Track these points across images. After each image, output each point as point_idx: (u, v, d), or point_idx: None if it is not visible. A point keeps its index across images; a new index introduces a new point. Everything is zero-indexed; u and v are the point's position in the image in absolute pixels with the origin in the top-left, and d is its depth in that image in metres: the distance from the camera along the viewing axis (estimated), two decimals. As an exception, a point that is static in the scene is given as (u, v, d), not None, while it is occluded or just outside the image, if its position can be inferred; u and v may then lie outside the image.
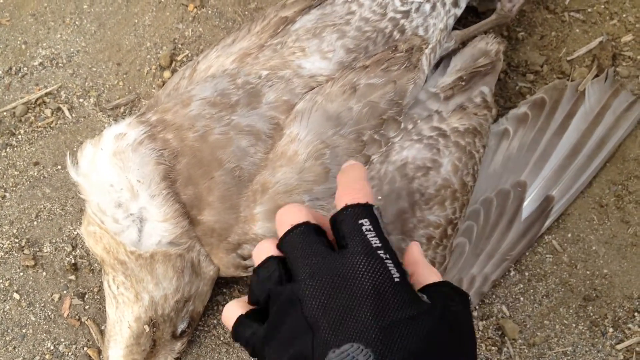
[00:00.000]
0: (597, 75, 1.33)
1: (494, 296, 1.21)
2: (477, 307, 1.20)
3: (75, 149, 1.24)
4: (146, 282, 1.02)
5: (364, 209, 0.71)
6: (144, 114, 1.07)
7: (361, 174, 0.77)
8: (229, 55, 1.14)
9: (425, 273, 0.74)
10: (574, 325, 1.20)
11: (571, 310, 1.21)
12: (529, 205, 1.19)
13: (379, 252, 0.67)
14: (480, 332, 1.19)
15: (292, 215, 0.75)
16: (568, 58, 1.38)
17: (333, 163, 1.01)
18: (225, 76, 1.08)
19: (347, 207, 0.72)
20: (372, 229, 0.69)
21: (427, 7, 1.17)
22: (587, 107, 1.26)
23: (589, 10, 1.41)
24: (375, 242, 0.68)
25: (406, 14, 1.16)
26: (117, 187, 0.98)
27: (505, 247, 1.17)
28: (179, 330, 1.08)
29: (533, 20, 1.41)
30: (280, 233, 0.75)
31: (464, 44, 1.27)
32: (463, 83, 1.16)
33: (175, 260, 1.02)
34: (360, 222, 0.70)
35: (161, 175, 0.99)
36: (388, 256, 0.67)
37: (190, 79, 1.13)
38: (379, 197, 1.01)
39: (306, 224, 0.73)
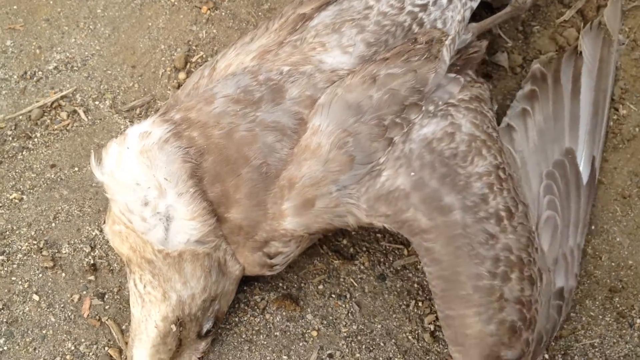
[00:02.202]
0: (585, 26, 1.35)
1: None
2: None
3: (91, 151, 1.23)
4: (174, 281, 1.01)
5: None
6: (167, 112, 1.06)
7: None
8: (248, 53, 1.14)
9: None
10: (600, 317, 1.18)
11: (597, 302, 1.19)
12: (583, 169, 1.19)
13: None
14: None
15: None
16: (558, 21, 1.39)
17: (357, 150, 1.01)
18: (246, 73, 1.08)
19: None
20: None
21: (444, 0, 1.17)
22: (588, 65, 1.27)
23: None
24: None
25: (424, 7, 1.16)
26: (144, 185, 0.98)
27: (582, 213, 1.16)
28: (205, 329, 1.07)
29: (548, 14, 1.41)
30: None
31: (479, 37, 1.27)
32: (458, 67, 1.16)
33: (203, 259, 1.01)
34: None
35: (188, 173, 0.98)
36: None
37: (210, 78, 1.12)
38: (412, 173, 1.00)
39: None
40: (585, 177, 1.18)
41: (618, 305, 1.19)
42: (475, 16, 1.32)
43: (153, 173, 0.98)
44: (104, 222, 1.19)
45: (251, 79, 1.06)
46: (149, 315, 1.02)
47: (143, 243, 0.99)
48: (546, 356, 1.15)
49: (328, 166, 1.00)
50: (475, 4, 1.22)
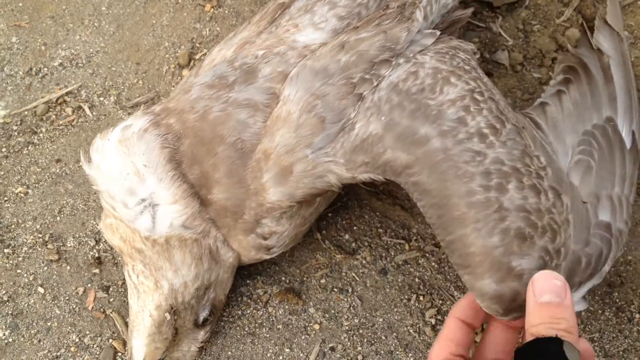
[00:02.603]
0: (586, 23, 1.35)
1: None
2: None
3: (82, 147, 1.25)
4: (165, 270, 1.01)
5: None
6: (150, 106, 1.08)
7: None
8: (230, 46, 1.15)
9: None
10: (600, 311, 1.19)
11: (597, 297, 1.20)
12: (625, 137, 1.13)
13: None
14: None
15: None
16: (558, 20, 1.40)
17: (326, 110, 1.00)
18: (224, 62, 1.09)
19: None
20: None
21: None
22: (615, 59, 1.23)
23: None
24: None
25: None
26: (124, 172, 0.99)
27: (629, 171, 1.09)
28: (201, 318, 1.08)
29: (548, 14, 1.42)
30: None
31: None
32: (441, 29, 1.16)
33: (192, 245, 1.02)
34: None
35: (166, 158, 0.99)
36: None
37: (196, 75, 1.14)
38: (382, 117, 0.98)
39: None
40: (628, 144, 1.12)
41: (617, 300, 1.20)
42: (476, 14, 1.34)
43: (131, 160, 0.98)
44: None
45: (228, 66, 1.07)
46: (144, 306, 1.03)
47: (132, 232, 1.00)
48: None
49: (300, 131, 1.00)
50: None
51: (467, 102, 0.99)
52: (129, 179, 0.99)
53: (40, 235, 1.23)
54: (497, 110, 1.01)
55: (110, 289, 1.19)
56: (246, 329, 1.17)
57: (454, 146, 0.93)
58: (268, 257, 1.09)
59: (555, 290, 0.79)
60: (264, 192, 1.01)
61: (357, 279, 1.21)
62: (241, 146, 1.00)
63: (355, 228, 1.26)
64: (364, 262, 1.23)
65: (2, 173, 1.29)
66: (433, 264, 1.22)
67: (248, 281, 1.20)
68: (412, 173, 0.94)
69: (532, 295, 0.80)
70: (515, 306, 0.86)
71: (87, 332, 1.16)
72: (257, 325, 1.17)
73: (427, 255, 1.23)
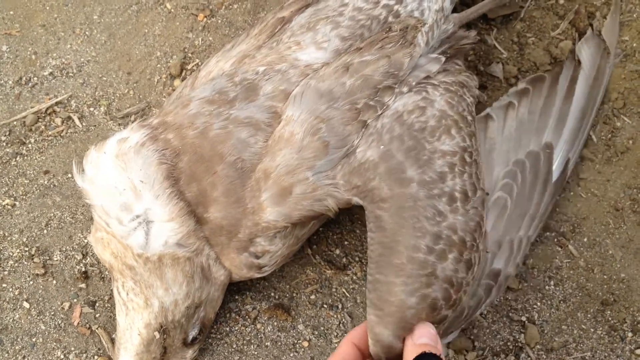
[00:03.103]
0: (580, 37, 1.36)
1: (512, 302, 1.19)
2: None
3: (74, 159, 1.24)
4: (156, 288, 1.00)
5: None
6: (146, 119, 1.07)
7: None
8: (228, 59, 1.14)
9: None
10: (592, 330, 1.18)
11: (589, 315, 1.19)
12: (557, 167, 1.19)
13: None
14: (498, 335, 1.17)
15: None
16: (553, 33, 1.39)
17: (331, 135, 1.00)
18: (223, 77, 1.08)
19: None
20: None
21: None
22: (586, 72, 1.28)
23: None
24: None
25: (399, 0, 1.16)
26: (120, 188, 0.97)
27: (543, 208, 1.16)
28: (190, 337, 1.06)
29: (544, 26, 1.41)
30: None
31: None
32: (447, 56, 1.16)
33: (184, 264, 1.00)
34: None
35: (164, 174, 0.98)
36: None
37: (192, 87, 1.13)
38: (381, 146, 1.00)
39: None
40: (556, 175, 1.18)
41: (610, 319, 1.19)
42: (471, 26, 1.32)
43: (127, 175, 0.97)
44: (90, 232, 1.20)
45: (227, 81, 1.07)
46: (133, 323, 1.02)
47: (124, 248, 0.99)
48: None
49: (302, 153, 0.99)
50: None
51: (456, 160, 1.03)
52: (125, 194, 0.97)
53: (27, 249, 1.21)
54: (476, 175, 1.05)
55: (97, 304, 1.18)
56: (234, 346, 1.16)
57: (424, 199, 0.97)
58: (259, 275, 1.08)
59: (429, 336, 0.90)
60: (260, 212, 1.00)
61: (348, 295, 1.20)
62: (241, 165, 1.00)
63: (346, 243, 1.24)
64: (354, 277, 1.21)
65: (-10, 184, 1.28)
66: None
67: (237, 297, 1.19)
68: (382, 207, 0.97)
69: (411, 339, 0.90)
70: (394, 358, 0.93)
71: (72, 349, 1.15)
72: (245, 342, 1.16)
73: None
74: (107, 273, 1.20)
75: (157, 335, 1.01)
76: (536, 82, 1.25)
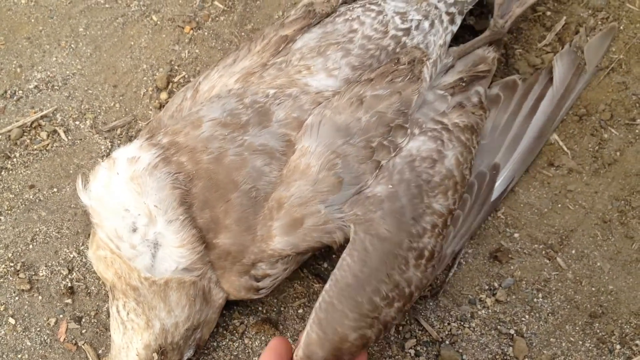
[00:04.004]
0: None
1: (500, 314, 1.19)
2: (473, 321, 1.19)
3: (77, 174, 1.23)
4: (159, 310, 1.00)
5: None
6: (153, 136, 1.06)
7: None
8: (231, 75, 1.14)
9: None
10: (580, 342, 1.18)
11: (577, 328, 1.19)
12: (498, 186, 1.23)
13: None
14: (487, 348, 1.17)
15: None
16: (539, 45, 1.40)
17: (346, 172, 1.02)
18: (231, 96, 1.08)
19: None
20: None
21: (426, 24, 1.19)
22: (554, 89, 1.30)
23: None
24: None
25: (407, 31, 1.17)
26: (134, 212, 0.97)
27: (474, 226, 1.21)
28: (185, 358, 1.06)
29: (530, 38, 1.41)
30: None
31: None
32: (463, 84, 1.19)
33: (189, 287, 1.00)
34: None
35: (178, 200, 0.98)
36: None
37: (194, 100, 1.12)
38: (390, 186, 1.03)
39: None
40: (495, 195, 1.23)
41: (598, 331, 1.18)
42: (458, 38, 1.33)
43: (144, 200, 0.97)
44: (85, 245, 1.19)
45: (237, 102, 1.07)
46: (131, 343, 1.01)
47: (129, 270, 0.98)
48: None
49: (317, 186, 1.00)
50: (455, 28, 1.24)
51: (440, 221, 1.07)
52: (139, 220, 0.97)
53: (12, 264, 1.20)
54: (446, 238, 1.10)
55: (83, 320, 1.17)
56: (221, 361, 1.15)
57: (405, 250, 1.01)
58: (255, 297, 1.08)
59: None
60: (269, 239, 1.01)
61: (335, 308, 1.19)
62: (255, 194, 1.00)
63: (334, 256, 1.24)
64: (342, 291, 1.21)
65: (-25, 199, 1.27)
66: (412, 293, 1.21)
67: (224, 312, 1.18)
68: (371, 242, 0.99)
69: None
70: None
71: (59, 365, 1.14)
72: (232, 357, 1.16)
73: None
74: (93, 288, 1.19)
75: (156, 356, 1.01)
76: (508, 90, 1.28)
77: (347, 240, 1.01)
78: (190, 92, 1.15)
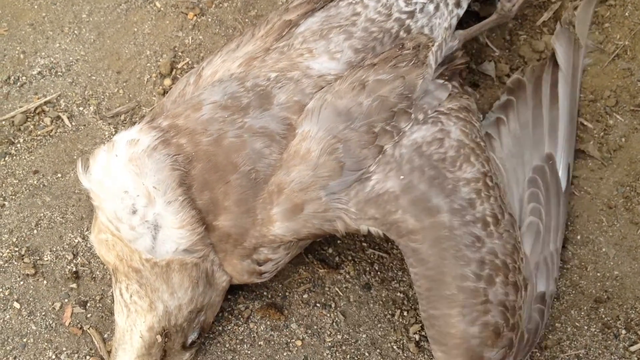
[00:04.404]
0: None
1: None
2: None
3: (77, 158, 1.23)
4: (161, 292, 1.00)
5: None
6: (154, 119, 1.05)
7: None
8: (234, 59, 1.13)
9: None
10: (585, 327, 1.18)
11: (583, 313, 1.19)
12: (562, 176, 1.20)
13: None
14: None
15: None
16: (537, 23, 1.40)
17: (347, 156, 1.00)
18: (233, 80, 1.07)
19: None
20: None
21: (431, 7, 1.18)
22: (564, 71, 1.28)
23: None
24: None
25: (411, 14, 1.16)
26: (132, 193, 0.97)
27: (561, 219, 1.17)
28: (190, 340, 1.06)
29: (535, 24, 1.41)
30: None
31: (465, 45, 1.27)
32: (446, 77, 1.17)
33: (191, 269, 1.00)
34: None
35: (177, 181, 0.97)
36: None
37: (197, 85, 1.12)
38: (402, 177, 1.01)
39: None
40: (564, 184, 1.20)
41: (603, 316, 1.18)
42: (462, 23, 1.32)
43: (142, 181, 0.97)
44: (89, 230, 1.18)
45: (238, 86, 1.06)
46: (134, 325, 1.01)
47: (130, 252, 0.98)
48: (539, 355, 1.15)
49: (318, 171, 0.99)
50: (461, 12, 1.23)
51: (480, 185, 1.04)
52: (138, 201, 0.97)
53: (17, 249, 1.20)
54: (500, 198, 1.06)
55: (88, 304, 1.17)
56: (227, 346, 1.15)
57: (460, 226, 0.98)
58: (258, 281, 1.08)
59: None
60: (269, 224, 1.00)
61: (341, 293, 1.19)
62: (255, 176, 1.00)
63: (338, 242, 1.24)
64: (347, 276, 1.21)
65: (-21, 184, 1.27)
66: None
67: (229, 296, 1.18)
68: (415, 239, 0.97)
69: None
70: None
71: (64, 349, 1.14)
72: (238, 341, 1.15)
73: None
74: (98, 273, 1.19)
75: (159, 338, 1.01)
76: (517, 91, 1.27)
77: (348, 231, 1.02)
78: (193, 77, 1.14)
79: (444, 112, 1.10)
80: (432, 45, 1.14)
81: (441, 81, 1.14)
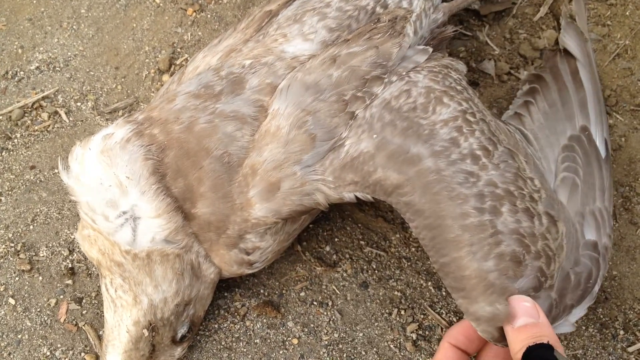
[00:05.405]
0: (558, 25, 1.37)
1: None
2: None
3: (59, 155, 1.22)
4: (145, 285, 0.99)
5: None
6: (132, 114, 1.05)
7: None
8: (215, 53, 1.13)
9: None
10: (583, 327, 1.17)
11: (581, 313, 1.18)
12: (599, 146, 1.15)
13: None
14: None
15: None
16: (535, 19, 1.40)
17: (317, 127, 0.99)
18: (209, 71, 1.07)
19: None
20: None
21: None
22: (582, 62, 1.25)
23: None
24: None
25: None
26: (105, 184, 0.96)
27: (606, 183, 1.12)
28: (179, 335, 1.05)
29: (535, 22, 1.40)
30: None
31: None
32: (432, 44, 1.15)
33: (174, 261, 0.99)
34: None
35: (150, 170, 0.97)
36: None
37: (179, 82, 1.11)
38: (374, 136, 0.97)
39: None
40: (602, 152, 1.14)
41: (601, 317, 1.18)
42: (462, 21, 1.32)
43: (113, 171, 0.96)
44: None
45: (213, 75, 1.05)
46: (121, 320, 1.00)
47: (111, 245, 0.97)
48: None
49: (289, 147, 0.98)
50: None
51: (460, 122, 0.99)
52: (111, 191, 0.96)
53: (12, 245, 1.20)
54: (489, 132, 1.01)
55: (83, 301, 1.16)
56: (223, 343, 1.15)
57: (447, 167, 0.93)
58: (250, 272, 1.07)
59: (527, 312, 0.82)
60: (249, 208, 0.99)
61: (338, 292, 1.19)
62: (228, 160, 0.98)
63: (336, 239, 1.23)
64: (344, 274, 1.20)
65: (-25, 179, 1.26)
66: (415, 277, 1.20)
67: (225, 294, 1.17)
68: (404, 193, 0.93)
69: (510, 324, 0.82)
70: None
71: (59, 346, 1.13)
72: (234, 339, 1.15)
73: (404, 261, 1.21)
74: (94, 269, 1.18)
75: (146, 332, 1.00)
76: (537, 81, 1.23)
77: (331, 203, 1.00)
78: (177, 75, 1.14)
79: (417, 70, 1.07)
80: (410, 17, 1.12)
81: (422, 47, 1.11)
